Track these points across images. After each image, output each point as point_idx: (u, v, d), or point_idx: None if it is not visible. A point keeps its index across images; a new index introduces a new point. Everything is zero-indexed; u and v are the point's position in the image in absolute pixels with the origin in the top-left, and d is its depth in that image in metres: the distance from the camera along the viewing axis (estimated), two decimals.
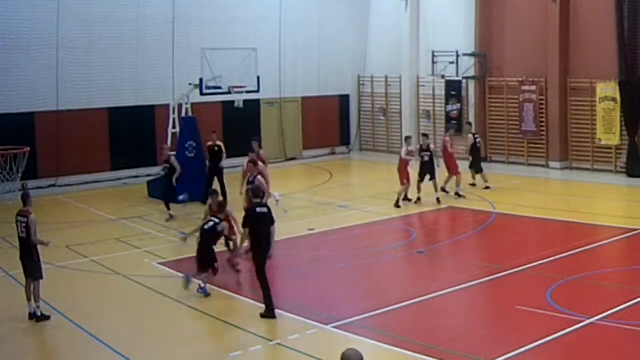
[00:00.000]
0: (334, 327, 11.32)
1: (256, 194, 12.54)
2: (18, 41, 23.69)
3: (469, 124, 25.30)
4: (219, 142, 21.24)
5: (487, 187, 22.28)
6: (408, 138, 21.54)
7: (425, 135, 22.16)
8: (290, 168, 28.53)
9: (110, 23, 25.49)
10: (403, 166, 20.39)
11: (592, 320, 11.13)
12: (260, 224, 11.98)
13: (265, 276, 12.09)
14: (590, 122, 24.99)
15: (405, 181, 20.33)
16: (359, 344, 10.65)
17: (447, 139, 22.31)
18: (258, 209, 12.10)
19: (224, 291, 13.44)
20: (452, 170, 21.54)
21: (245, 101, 24.94)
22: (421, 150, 20.89)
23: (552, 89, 25.79)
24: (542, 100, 26.21)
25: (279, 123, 30.29)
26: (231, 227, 14.26)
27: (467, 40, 27.91)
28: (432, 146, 21.22)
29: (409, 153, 20.52)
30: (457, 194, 21.26)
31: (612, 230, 16.94)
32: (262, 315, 11.88)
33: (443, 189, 21.24)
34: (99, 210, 20.79)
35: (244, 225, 12.16)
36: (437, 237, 17.85)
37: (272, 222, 12.24)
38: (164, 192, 19.92)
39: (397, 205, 20.13)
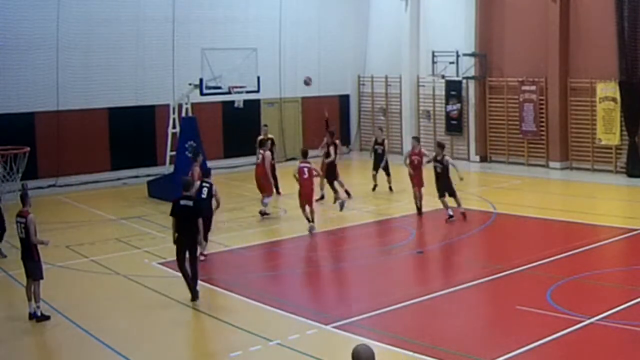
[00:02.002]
0: (334, 327, 11.32)
1: (185, 187, 13.08)
2: (18, 41, 23.66)
3: (380, 129, 24.40)
4: (270, 135, 22.51)
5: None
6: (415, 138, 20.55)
7: (440, 146, 19.03)
8: (290, 168, 28.35)
9: (110, 23, 25.46)
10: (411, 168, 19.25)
11: (592, 320, 11.13)
12: (182, 216, 12.71)
13: (183, 264, 12.74)
14: (590, 122, 24.99)
15: (418, 183, 19.03)
16: (359, 344, 10.66)
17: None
18: (182, 202, 12.77)
19: (224, 291, 13.45)
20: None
21: (245, 101, 24.94)
22: (434, 160, 18.60)
23: (552, 89, 25.78)
24: (542, 100, 26.20)
25: (279, 123, 30.26)
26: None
27: (467, 40, 27.91)
28: (446, 158, 18.56)
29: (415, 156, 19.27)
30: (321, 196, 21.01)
31: (612, 230, 16.93)
32: (192, 300, 12.68)
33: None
34: (99, 210, 20.78)
35: (170, 214, 12.91)
36: (437, 237, 17.83)
37: (197, 215, 12.72)
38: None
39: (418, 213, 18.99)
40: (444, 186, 18.33)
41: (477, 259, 15.69)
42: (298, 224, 18.29)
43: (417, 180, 19.09)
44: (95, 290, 13.88)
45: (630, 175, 23.88)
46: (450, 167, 18.40)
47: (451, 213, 18.18)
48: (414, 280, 14.52)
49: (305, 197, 17.60)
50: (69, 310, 12.41)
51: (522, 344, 10.30)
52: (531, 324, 11.19)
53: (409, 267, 15.52)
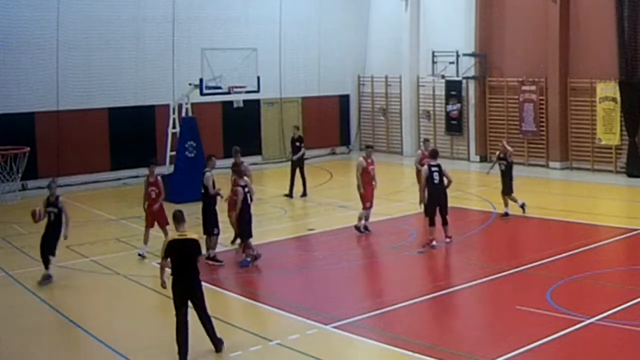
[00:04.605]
0: (334, 327, 11.32)
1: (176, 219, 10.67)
2: (18, 41, 23.68)
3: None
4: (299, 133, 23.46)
5: None
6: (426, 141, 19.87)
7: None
8: (290, 168, 28.48)
9: (110, 23, 25.47)
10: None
11: (592, 320, 11.13)
12: (177, 256, 10.35)
13: (181, 324, 10.46)
14: (590, 122, 24.99)
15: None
16: (359, 344, 10.67)
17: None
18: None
19: (224, 291, 13.45)
20: None
21: (245, 101, 24.94)
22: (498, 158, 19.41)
23: (552, 89, 25.79)
24: (542, 100, 26.21)
25: (279, 123, 30.27)
26: None
27: (467, 40, 27.91)
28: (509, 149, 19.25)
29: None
30: None
31: (612, 230, 16.93)
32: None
33: None
34: (99, 210, 20.78)
35: (164, 255, 10.62)
36: (437, 237, 17.80)
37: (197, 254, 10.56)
38: (47, 244, 14.15)
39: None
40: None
41: (477, 259, 15.67)
42: (298, 224, 18.28)
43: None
44: (95, 290, 13.87)
45: (630, 175, 23.88)
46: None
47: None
48: (414, 280, 14.50)
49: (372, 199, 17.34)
50: (69, 310, 12.41)
51: (522, 344, 10.30)
52: (531, 324, 11.19)
53: (409, 267, 15.51)
